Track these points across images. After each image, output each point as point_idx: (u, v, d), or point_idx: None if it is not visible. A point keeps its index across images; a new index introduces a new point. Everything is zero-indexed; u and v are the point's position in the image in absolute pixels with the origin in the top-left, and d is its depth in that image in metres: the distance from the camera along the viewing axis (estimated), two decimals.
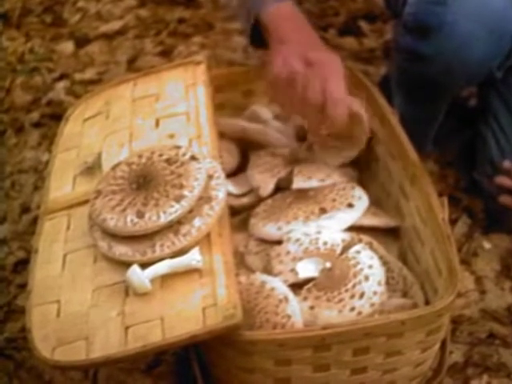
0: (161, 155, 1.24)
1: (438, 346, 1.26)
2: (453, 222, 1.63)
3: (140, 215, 1.16)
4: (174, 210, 1.16)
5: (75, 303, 1.16)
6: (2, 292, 1.64)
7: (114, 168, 1.27)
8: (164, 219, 1.15)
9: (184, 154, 1.23)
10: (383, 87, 1.65)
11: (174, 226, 1.16)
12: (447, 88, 1.54)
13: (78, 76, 2.16)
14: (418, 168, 1.35)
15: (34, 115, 2.07)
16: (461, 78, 1.50)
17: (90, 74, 2.16)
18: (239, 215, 1.47)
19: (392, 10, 1.66)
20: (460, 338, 1.48)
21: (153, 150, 1.26)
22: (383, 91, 1.55)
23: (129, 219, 1.16)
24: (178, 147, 1.26)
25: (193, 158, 1.23)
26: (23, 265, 1.67)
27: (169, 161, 1.23)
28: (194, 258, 1.13)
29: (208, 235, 1.18)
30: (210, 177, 1.22)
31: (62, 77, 2.17)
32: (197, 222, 1.17)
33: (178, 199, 1.17)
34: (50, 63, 2.22)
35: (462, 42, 1.42)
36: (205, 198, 1.19)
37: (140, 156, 1.26)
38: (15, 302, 1.62)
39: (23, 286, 1.60)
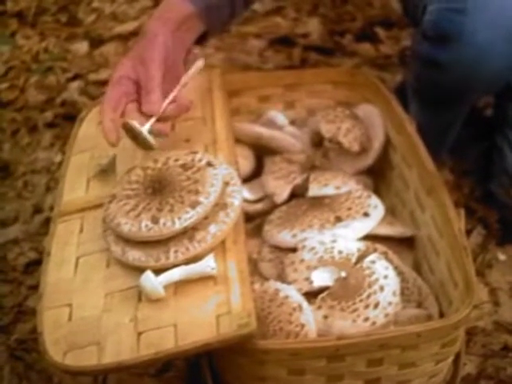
0: (176, 160, 1.23)
1: (452, 358, 1.24)
2: (467, 232, 1.62)
3: (155, 221, 1.15)
4: (190, 216, 1.15)
5: (87, 307, 1.16)
6: (12, 293, 1.64)
7: (128, 172, 1.26)
8: (179, 225, 1.14)
9: (200, 160, 1.22)
10: (399, 94, 1.64)
11: (188, 232, 1.15)
12: (464, 96, 1.53)
13: (92, 76, 2.16)
14: (435, 178, 1.34)
15: (48, 115, 2.06)
16: (478, 87, 1.49)
17: (104, 74, 2.15)
18: (253, 221, 1.46)
19: (410, 18, 1.65)
20: (473, 350, 1.46)
21: (168, 155, 1.25)
22: (399, 98, 1.54)
23: (143, 224, 1.15)
24: (194, 152, 1.25)
25: (209, 164, 1.22)
26: (34, 266, 1.67)
27: (185, 166, 1.22)
28: (208, 264, 1.12)
29: (223, 242, 1.17)
30: (226, 183, 1.21)
31: (76, 77, 2.17)
32: (212, 228, 1.16)
33: (194, 205, 1.16)
34: (65, 63, 2.22)
35: (480, 51, 1.40)
36: (220, 205, 1.18)
37: (155, 161, 1.25)
38: (26, 303, 1.61)
39: (34, 288, 1.60)
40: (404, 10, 1.70)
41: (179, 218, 1.14)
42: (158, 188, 1.20)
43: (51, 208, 1.75)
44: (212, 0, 1.37)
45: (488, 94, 1.71)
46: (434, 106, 1.58)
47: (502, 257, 1.63)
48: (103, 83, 2.12)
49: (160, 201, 1.18)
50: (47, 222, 1.72)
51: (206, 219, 1.16)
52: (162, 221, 1.15)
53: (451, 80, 1.47)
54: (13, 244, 1.73)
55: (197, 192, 1.17)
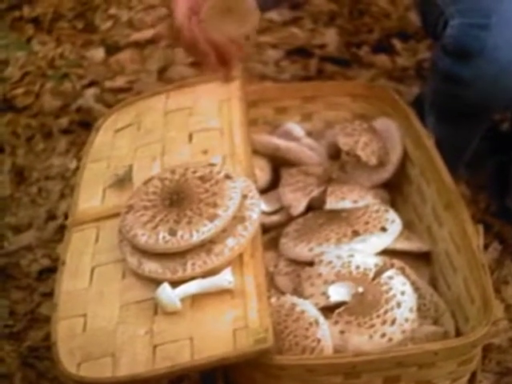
0: (195, 172, 1.23)
1: (468, 376, 1.23)
2: (483, 247, 1.60)
3: (172, 233, 1.15)
4: (208, 229, 1.14)
5: (102, 318, 1.15)
6: (25, 300, 1.64)
7: (146, 183, 1.25)
8: (197, 238, 1.14)
9: (218, 172, 1.22)
10: (416, 107, 1.63)
11: (206, 245, 1.15)
12: (484, 112, 1.53)
13: (107, 84, 2.15)
14: (453, 193, 1.34)
15: (63, 121, 2.06)
16: (499, 103, 1.48)
17: (120, 82, 2.15)
18: (269, 233, 1.46)
19: (430, 32, 1.64)
20: (488, 367, 1.46)
21: (186, 167, 1.25)
22: (416, 111, 1.53)
23: (161, 236, 1.15)
24: (213, 165, 1.24)
25: (227, 176, 1.21)
26: (48, 273, 1.67)
27: (203, 178, 1.21)
28: (225, 278, 1.12)
29: (240, 256, 1.17)
30: (245, 196, 1.20)
31: (91, 84, 2.16)
32: (230, 241, 1.15)
33: (212, 218, 1.15)
34: (80, 69, 2.21)
35: (502, 67, 1.40)
36: (238, 218, 1.17)
37: (173, 172, 1.24)
38: (38, 311, 1.61)
39: (47, 295, 1.60)
40: (423, 24, 1.69)
41: (197, 231, 1.14)
42: (176, 200, 1.20)
43: (65, 215, 1.75)
44: None
45: (508, 110, 1.70)
46: (452, 120, 1.57)
47: None
48: (119, 90, 2.13)
49: (178, 213, 1.17)
50: (61, 228, 1.73)
51: (224, 232, 1.16)
52: (179, 233, 1.14)
53: (472, 96, 1.46)
54: (26, 250, 1.73)
55: (215, 205, 1.17)
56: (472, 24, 1.41)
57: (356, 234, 1.35)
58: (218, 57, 1.40)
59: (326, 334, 1.19)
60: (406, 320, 1.22)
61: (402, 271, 1.32)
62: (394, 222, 1.38)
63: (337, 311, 1.23)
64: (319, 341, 1.18)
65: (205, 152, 1.34)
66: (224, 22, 1.35)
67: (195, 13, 1.36)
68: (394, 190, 1.55)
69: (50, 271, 1.65)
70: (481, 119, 1.58)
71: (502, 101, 1.47)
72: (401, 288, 1.25)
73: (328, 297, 1.25)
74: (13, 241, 1.76)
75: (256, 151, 1.49)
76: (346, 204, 1.42)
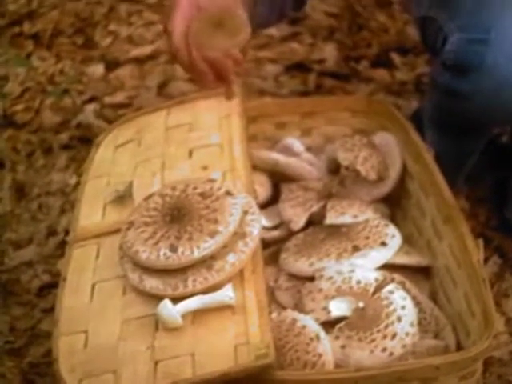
0: (195, 188, 1.23)
1: None
2: (483, 261, 1.61)
3: (173, 249, 1.15)
4: (208, 246, 1.15)
5: (103, 334, 1.15)
6: (25, 316, 1.63)
7: (146, 199, 1.26)
8: (198, 254, 1.14)
9: (219, 189, 1.22)
10: (415, 121, 1.64)
11: (207, 261, 1.15)
12: (484, 127, 1.53)
13: (107, 99, 2.16)
14: (452, 207, 1.34)
15: (63, 137, 2.06)
16: (498, 118, 1.48)
17: (119, 97, 2.16)
18: (269, 248, 1.46)
19: (430, 48, 1.64)
20: (489, 381, 1.45)
21: (187, 183, 1.25)
22: (415, 125, 1.54)
23: (162, 253, 1.15)
24: (213, 181, 1.25)
25: (228, 192, 1.22)
26: (48, 289, 1.67)
27: (203, 195, 1.22)
28: (226, 294, 1.12)
29: (241, 271, 1.17)
30: (245, 212, 1.20)
31: (91, 99, 2.17)
32: (231, 257, 1.15)
33: (213, 234, 1.15)
34: (80, 85, 2.22)
35: (501, 82, 1.40)
36: (239, 234, 1.18)
37: (173, 188, 1.25)
38: (39, 326, 1.61)
39: (48, 311, 1.60)
40: (422, 39, 1.70)
41: (198, 247, 1.14)
42: (177, 216, 1.20)
43: (66, 230, 1.75)
44: None
45: (508, 124, 1.70)
46: (452, 135, 1.57)
47: None
48: (119, 106, 2.13)
49: (178, 229, 1.18)
50: (61, 244, 1.73)
51: (225, 248, 1.16)
52: (180, 249, 1.15)
53: (471, 110, 1.46)
54: (27, 266, 1.73)
55: (216, 221, 1.17)
56: (471, 39, 1.42)
57: (356, 248, 1.36)
58: (216, 74, 1.40)
59: (327, 348, 1.19)
60: (407, 334, 1.22)
61: (403, 285, 1.32)
62: (393, 236, 1.39)
63: (338, 326, 1.24)
64: (320, 356, 1.18)
65: (205, 168, 1.35)
66: (214, 36, 1.34)
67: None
68: (394, 205, 1.56)
69: (51, 287, 1.65)
70: (481, 133, 1.59)
71: (501, 115, 1.47)
72: (401, 302, 1.25)
73: (329, 312, 1.26)
74: (13, 256, 1.76)
75: (256, 167, 1.50)
76: (346, 219, 1.42)
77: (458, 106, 1.48)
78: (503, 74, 1.40)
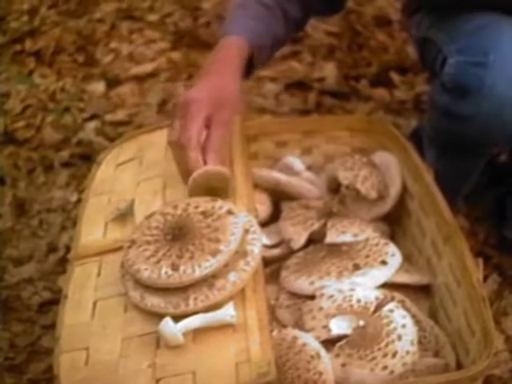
0: (196, 207, 1.24)
1: None
2: (483, 279, 1.61)
3: (175, 268, 1.15)
4: (210, 265, 1.15)
5: (104, 352, 1.15)
6: (26, 332, 1.64)
7: (148, 218, 1.26)
8: (199, 273, 1.14)
9: (220, 208, 1.23)
10: (414, 140, 1.65)
11: (208, 280, 1.15)
12: (484, 147, 1.53)
13: (108, 117, 2.17)
14: (452, 227, 1.35)
15: (64, 154, 2.08)
16: (498, 140, 1.49)
17: (120, 115, 2.17)
18: (269, 266, 1.46)
19: (428, 68, 1.66)
20: None
21: (188, 202, 1.25)
22: (414, 144, 1.55)
23: (163, 271, 1.15)
24: (214, 200, 1.25)
25: (229, 212, 1.22)
26: (48, 305, 1.68)
27: (205, 213, 1.22)
28: (228, 313, 1.12)
29: (242, 290, 1.17)
30: (246, 231, 1.21)
31: (92, 117, 2.18)
32: (232, 276, 1.16)
33: (214, 253, 1.16)
34: (81, 103, 2.23)
35: (500, 104, 1.41)
36: (240, 253, 1.18)
37: (175, 207, 1.25)
38: (39, 343, 1.61)
39: (48, 327, 1.60)
40: (421, 60, 1.71)
41: (199, 266, 1.15)
42: (178, 235, 1.20)
43: (66, 247, 1.76)
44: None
45: (508, 146, 1.71)
46: (452, 155, 1.58)
47: None
48: (119, 123, 2.14)
49: (180, 247, 1.18)
50: (62, 261, 1.73)
51: (226, 267, 1.16)
52: (182, 268, 1.15)
53: (471, 132, 1.47)
54: (27, 283, 1.74)
55: (217, 240, 1.17)
56: (470, 62, 1.43)
57: (357, 267, 1.36)
58: None
59: (327, 366, 1.20)
60: (407, 352, 1.22)
61: (403, 304, 1.32)
62: (394, 255, 1.39)
63: (338, 344, 1.24)
64: (321, 374, 1.19)
65: None
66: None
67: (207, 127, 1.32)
68: (394, 223, 1.56)
69: (51, 303, 1.66)
70: (480, 154, 1.59)
71: (501, 137, 1.48)
72: (401, 321, 1.25)
73: (329, 330, 1.26)
74: (14, 273, 1.76)
75: (257, 185, 1.51)
76: (347, 237, 1.43)
77: (457, 128, 1.49)
78: (502, 96, 1.40)
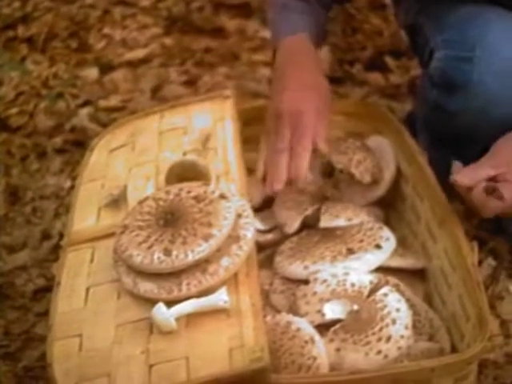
0: (189, 192, 1.23)
1: None
2: (478, 263, 1.61)
3: (167, 253, 1.15)
4: (202, 249, 1.14)
5: (98, 338, 1.15)
6: (20, 319, 1.63)
7: (140, 203, 1.26)
8: (192, 258, 1.14)
9: (213, 192, 1.22)
10: (408, 123, 1.64)
11: (201, 265, 1.15)
12: (474, 140, 1.52)
13: (101, 103, 2.16)
14: (447, 210, 1.34)
15: (57, 141, 2.06)
16: (485, 134, 1.47)
17: (114, 101, 2.16)
18: (263, 251, 1.46)
19: (418, 56, 1.65)
20: (485, 383, 1.45)
21: (180, 187, 1.25)
22: (409, 127, 1.54)
23: (155, 256, 1.15)
24: (207, 184, 1.25)
25: (222, 196, 1.21)
26: (43, 293, 1.67)
27: (197, 198, 1.22)
28: (221, 298, 1.12)
29: (235, 275, 1.16)
30: (239, 215, 1.20)
31: (85, 103, 2.17)
32: (225, 261, 1.15)
33: (207, 238, 1.15)
34: (74, 89, 2.22)
35: (487, 100, 1.40)
36: (233, 237, 1.18)
37: (167, 192, 1.25)
38: (33, 330, 1.60)
39: (42, 314, 1.59)
40: (412, 46, 1.70)
41: (192, 251, 1.14)
42: (171, 220, 1.20)
43: (60, 234, 1.75)
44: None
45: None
46: (444, 143, 1.56)
47: None
48: (113, 109, 2.13)
49: (172, 233, 1.17)
50: (56, 248, 1.73)
51: (219, 252, 1.16)
52: (174, 253, 1.15)
53: (459, 126, 1.46)
54: (21, 270, 1.73)
55: (210, 225, 1.17)
56: (456, 57, 1.41)
57: (351, 251, 1.36)
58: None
59: (321, 351, 1.20)
60: (402, 337, 1.22)
61: (397, 288, 1.32)
62: (388, 239, 1.39)
63: (332, 329, 1.24)
64: (315, 359, 1.18)
65: None
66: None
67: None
68: (388, 208, 1.56)
69: (45, 291, 1.65)
70: (473, 145, 1.58)
71: (488, 132, 1.46)
72: (396, 305, 1.25)
73: (323, 315, 1.26)
74: (7, 260, 1.75)
75: (250, 170, 1.50)
76: (341, 222, 1.42)
77: (445, 121, 1.48)
78: (489, 91, 1.39)
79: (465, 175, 1.31)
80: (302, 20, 1.53)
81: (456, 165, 1.33)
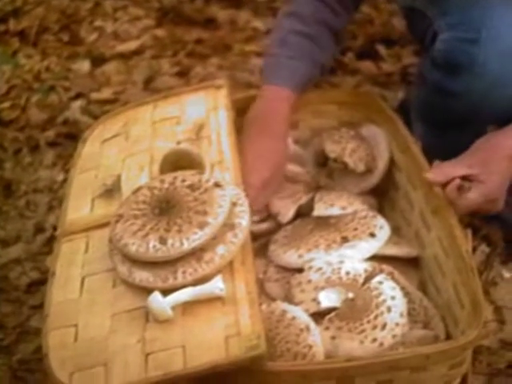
0: (183, 181, 1.23)
1: (459, 378, 1.24)
2: (471, 250, 1.61)
3: (162, 241, 1.15)
4: (198, 237, 1.14)
5: (93, 328, 1.15)
6: (14, 313, 1.63)
7: (135, 192, 1.25)
8: (187, 246, 1.14)
9: (207, 181, 1.22)
10: (401, 112, 1.64)
11: (196, 253, 1.15)
12: (474, 124, 1.52)
13: (94, 95, 2.16)
14: (440, 198, 1.34)
15: (50, 134, 2.06)
16: (489, 116, 1.48)
17: (106, 93, 2.16)
18: (258, 240, 1.46)
19: (418, 40, 1.64)
20: (479, 369, 1.46)
21: (175, 175, 1.25)
22: (401, 116, 1.54)
23: (151, 245, 1.15)
24: (201, 173, 1.25)
25: (216, 184, 1.21)
26: (37, 286, 1.67)
27: (192, 187, 1.21)
28: (216, 286, 1.12)
29: (231, 263, 1.16)
30: (234, 204, 1.20)
31: (78, 96, 2.17)
32: (220, 249, 1.15)
33: (202, 226, 1.15)
34: (66, 82, 2.22)
35: (492, 81, 1.40)
36: (228, 226, 1.18)
37: (162, 181, 1.24)
38: (28, 323, 1.61)
39: (36, 307, 1.60)
40: (411, 32, 1.69)
41: (187, 239, 1.14)
42: (166, 208, 1.20)
43: (53, 227, 1.75)
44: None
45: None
46: (441, 130, 1.56)
47: (506, 274, 1.62)
48: (105, 102, 2.13)
49: (167, 221, 1.17)
50: (49, 241, 1.72)
51: (214, 240, 1.16)
52: (169, 241, 1.14)
53: (460, 109, 1.46)
54: (15, 263, 1.73)
55: (205, 213, 1.17)
56: (461, 38, 1.41)
57: (345, 240, 1.36)
58: None
59: (317, 339, 1.20)
60: (397, 324, 1.22)
61: (392, 276, 1.32)
62: (382, 227, 1.39)
63: (327, 317, 1.24)
64: (311, 346, 1.19)
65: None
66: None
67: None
68: (382, 196, 1.56)
69: (40, 284, 1.65)
70: (472, 130, 1.58)
71: (490, 114, 1.46)
72: (391, 293, 1.25)
73: (318, 303, 1.26)
74: (1, 254, 1.75)
75: None
76: (335, 210, 1.42)
77: (446, 103, 1.48)
78: (493, 73, 1.39)
79: (439, 172, 1.34)
80: (289, 67, 1.51)
81: (435, 163, 1.35)
